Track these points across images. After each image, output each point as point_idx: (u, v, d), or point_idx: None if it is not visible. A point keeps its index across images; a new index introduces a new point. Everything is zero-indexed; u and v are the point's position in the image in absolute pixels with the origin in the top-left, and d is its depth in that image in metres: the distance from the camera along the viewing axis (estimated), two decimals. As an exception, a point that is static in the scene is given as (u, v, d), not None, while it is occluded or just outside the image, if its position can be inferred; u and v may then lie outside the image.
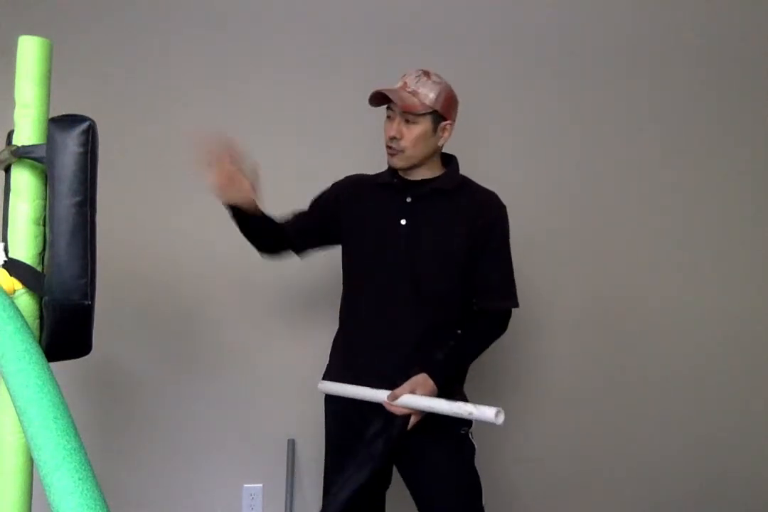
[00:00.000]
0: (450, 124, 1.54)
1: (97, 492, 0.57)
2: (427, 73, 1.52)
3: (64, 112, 0.90)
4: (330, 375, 1.65)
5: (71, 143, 0.86)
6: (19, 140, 0.88)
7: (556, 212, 2.26)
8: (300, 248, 1.69)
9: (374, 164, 1.69)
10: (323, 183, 1.64)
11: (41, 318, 0.89)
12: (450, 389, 1.51)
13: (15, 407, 0.66)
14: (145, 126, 2.09)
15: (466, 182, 1.61)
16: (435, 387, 1.46)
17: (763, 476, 2.35)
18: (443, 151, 1.61)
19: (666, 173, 2.32)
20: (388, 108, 1.52)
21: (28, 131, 0.88)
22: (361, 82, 2.19)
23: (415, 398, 1.44)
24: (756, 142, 2.37)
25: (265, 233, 1.61)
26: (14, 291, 0.87)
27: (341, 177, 1.71)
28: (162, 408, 2.09)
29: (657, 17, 2.31)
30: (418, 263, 1.52)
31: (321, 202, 1.68)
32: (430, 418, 1.46)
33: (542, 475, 2.26)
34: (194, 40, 2.11)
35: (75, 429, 0.64)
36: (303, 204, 1.68)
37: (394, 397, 1.44)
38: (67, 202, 0.86)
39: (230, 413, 2.12)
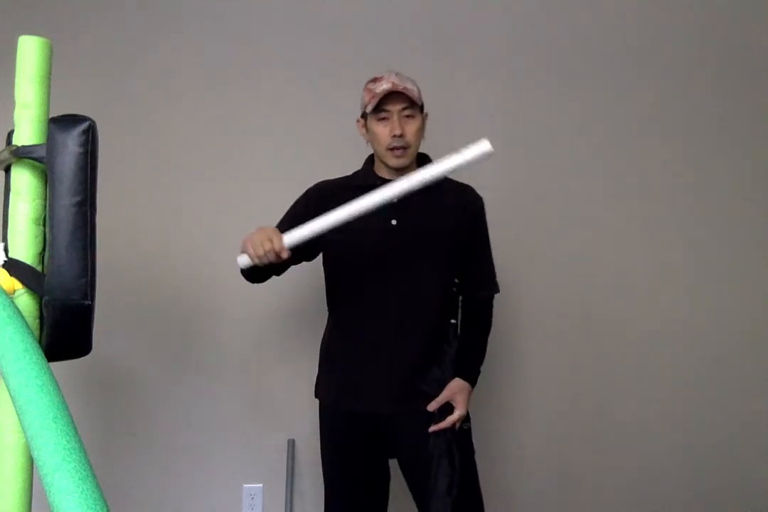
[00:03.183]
0: (426, 116, 1.60)
1: (97, 492, 0.57)
2: (396, 73, 1.56)
3: (64, 112, 0.89)
4: (326, 387, 1.65)
5: (71, 143, 0.86)
6: (19, 140, 0.88)
7: (547, 217, 2.26)
8: (281, 271, 1.62)
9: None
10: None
11: (41, 318, 0.89)
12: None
13: (15, 407, 0.66)
14: (146, 126, 2.09)
15: (444, 178, 1.62)
16: (470, 386, 1.57)
17: (762, 478, 2.35)
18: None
19: (664, 177, 2.32)
20: (380, 111, 1.52)
21: (28, 131, 0.88)
22: (361, 81, 2.20)
23: (403, 181, 1.36)
24: (760, 149, 2.36)
25: (265, 273, 1.57)
26: (14, 291, 0.87)
27: (338, 176, 1.70)
28: (162, 409, 2.09)
29: (657, 17, 2.31)
30: (415, 261, 1.55)
31: (295, 218, 1.56)
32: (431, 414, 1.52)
33: (535, 476, 2.26)
34: (194, 40, 2.11)
35: (75, 429, 0.64)
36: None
37: (438, 405, 1.53)
38: (67, 202, 0.85)
39: (230, 413, 2.12)
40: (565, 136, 2.27)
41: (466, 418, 1.57)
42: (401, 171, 1.57)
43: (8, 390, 0.68)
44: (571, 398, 2.27)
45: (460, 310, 1.66)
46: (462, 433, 1.57)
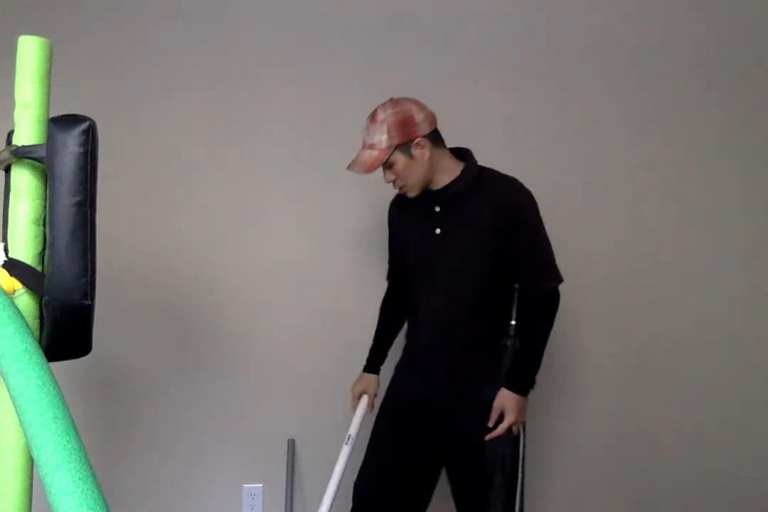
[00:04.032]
0: (421, 139, 1.58)
1: (97, 492, 0.57)
2: (373, 117, 1.59)
3: (64, 112, 0.89)
4: (398, 370, 1.81)
5: (71, 143, 0.86)
6: (19, 140, 0.88)
7: (546, 217, 2.25)
8: (405, 288, 1.81)
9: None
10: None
11: (41, 318, 0.89)
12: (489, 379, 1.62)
13: (15, 407, 0.66)
14: (146, 126, 2.09)
15: (484, 174, 1.65)
16: (517, 395, 1.59)
17: None
18: (454, 146, 1.67)
19: (664, 177, 2.32)
20: None
21: (28, 131, 0.88)
22: (361, 81, 2.20)
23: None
24: (761, 149, 2.35)
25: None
26: (14, 291, 0.87)
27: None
28: (162, 408, 2.09)
29: (658, 17, 2.31)
30: (458, 267, 1.62)
31: (395, 238, 1.84)
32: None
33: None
34: (194, 40, 2.11)
35: (75, 429, 0.64)
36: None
37: (494, 422, 1.58)
38: (67, 202, 0.85)
39: (230, 413, 2.12)
40: (566, 136, 2.27)
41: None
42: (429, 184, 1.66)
43: (8, 390, 0.68)
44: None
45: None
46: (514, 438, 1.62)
